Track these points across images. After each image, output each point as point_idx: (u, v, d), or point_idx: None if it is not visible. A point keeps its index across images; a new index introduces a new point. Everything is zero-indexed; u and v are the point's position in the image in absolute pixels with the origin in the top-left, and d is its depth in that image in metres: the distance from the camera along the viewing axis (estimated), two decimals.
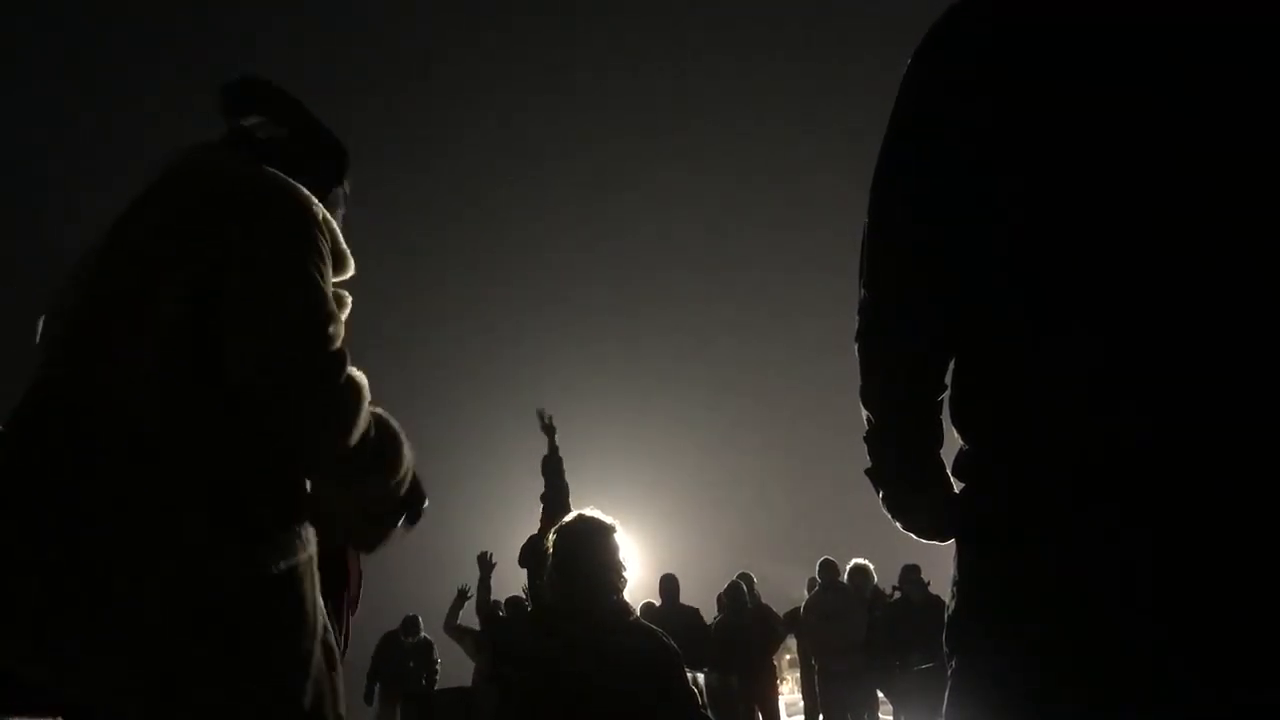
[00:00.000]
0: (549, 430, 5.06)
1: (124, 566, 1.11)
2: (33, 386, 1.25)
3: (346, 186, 1.62)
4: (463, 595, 7.39)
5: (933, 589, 7.33)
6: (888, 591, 7.83)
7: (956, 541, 1.15)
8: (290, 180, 1.36)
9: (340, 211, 1.57)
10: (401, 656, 8.66)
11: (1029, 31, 1.08)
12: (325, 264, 1.30)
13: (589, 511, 2.59)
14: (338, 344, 1.26)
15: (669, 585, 8.15)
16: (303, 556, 1.25)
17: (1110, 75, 1.02)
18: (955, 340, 1.13)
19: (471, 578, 7.12)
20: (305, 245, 1.28)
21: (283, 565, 1.21)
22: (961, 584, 1.10)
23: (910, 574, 7.52)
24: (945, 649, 1.11)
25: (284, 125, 1.53)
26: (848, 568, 7.91)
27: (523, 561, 5.34)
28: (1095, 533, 0.96)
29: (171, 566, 1.13)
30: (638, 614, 2.56)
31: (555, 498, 4.56)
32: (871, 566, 7.90)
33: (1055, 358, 1.00)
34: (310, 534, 1.29)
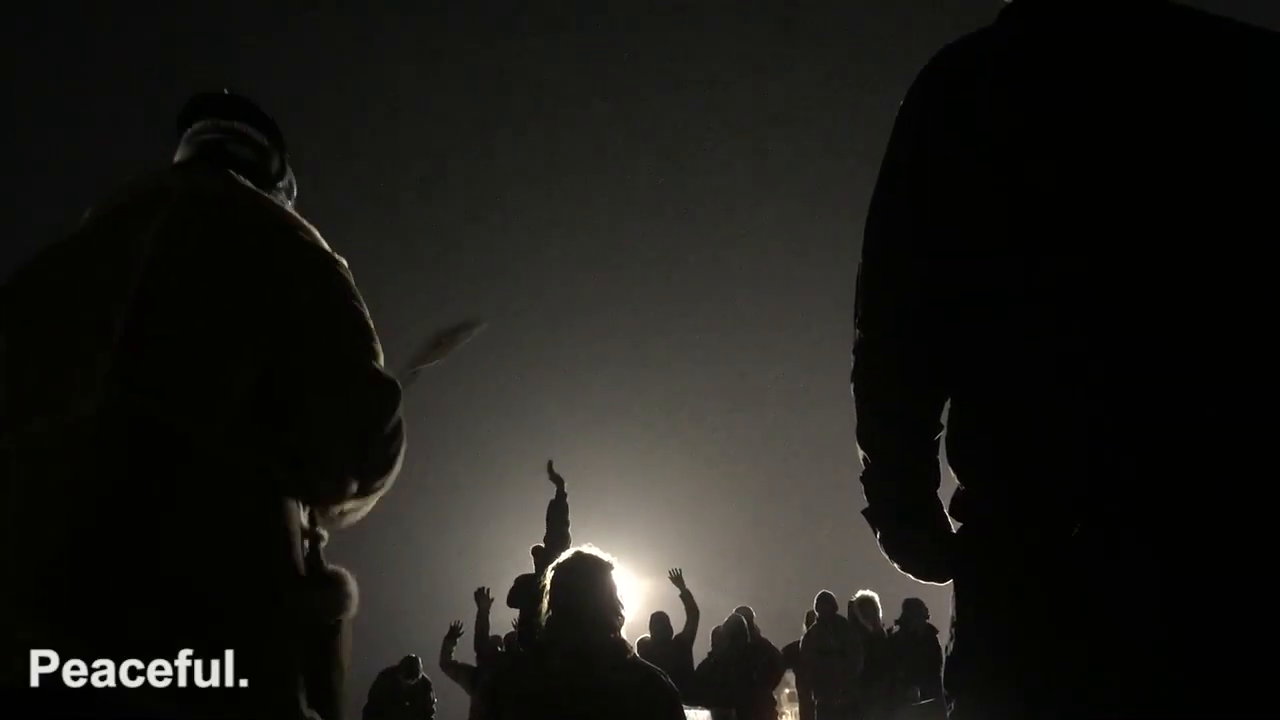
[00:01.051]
0: (556, 480, 5.19)
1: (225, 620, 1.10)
2: (101, 416, 1.12)
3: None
4: (454, 632, 7.32)
5: (934, 622, 7.27)
6: (888, 627, 7.77)
7: (954, 581, 1.15)
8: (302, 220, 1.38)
9: None
10: (398, 696, 8.57)
11: (1034, 50, 1.11)
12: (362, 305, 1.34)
13: (586, 548, 2.58)
14: (398, 396, 1.31)
15: (659, 624, 8.11)
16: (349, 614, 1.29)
17: (1111, 92, 1.05)
18: (952, 371, 1.13)
19: (468, 614, 7.06)
20: (354, 297, 1.32)
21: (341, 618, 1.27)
22: (959, 624, 1.10)
23: (913, 608, 7.47)
24: (944, 690, 1.11)
25: (252, 145, 1.50)
26: (853, 600, 7.84)
27: (512, 601, 5.31)
28: (1097, 540, 0.96)
29: (264, 623, 1.14)
30: (635, 652, 2.54)
31: (552, 551, 4.57)
32: (877, 598, 7.82)
33: (1058, 361, 1.01)
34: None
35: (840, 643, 7.65)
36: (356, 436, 1.27)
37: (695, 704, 7.34)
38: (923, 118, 1.16)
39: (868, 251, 1.18)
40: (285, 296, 1.24)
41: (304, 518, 1.27)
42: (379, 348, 1.31)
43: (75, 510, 1.07)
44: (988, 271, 1.07)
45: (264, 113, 1.54)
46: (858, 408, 1.19)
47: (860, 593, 7.82)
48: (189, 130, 1.49)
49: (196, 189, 1.33)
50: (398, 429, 1.31)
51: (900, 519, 1.20)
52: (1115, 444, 0.96)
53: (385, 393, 1.29)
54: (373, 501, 1.38)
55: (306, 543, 1.26)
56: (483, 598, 6.81)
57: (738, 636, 7.97)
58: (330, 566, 1.29)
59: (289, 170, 1.57)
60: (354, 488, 1.30)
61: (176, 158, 1.49)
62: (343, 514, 1.36)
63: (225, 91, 1.53)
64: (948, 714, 1.10)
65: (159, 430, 1.13)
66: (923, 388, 1.15)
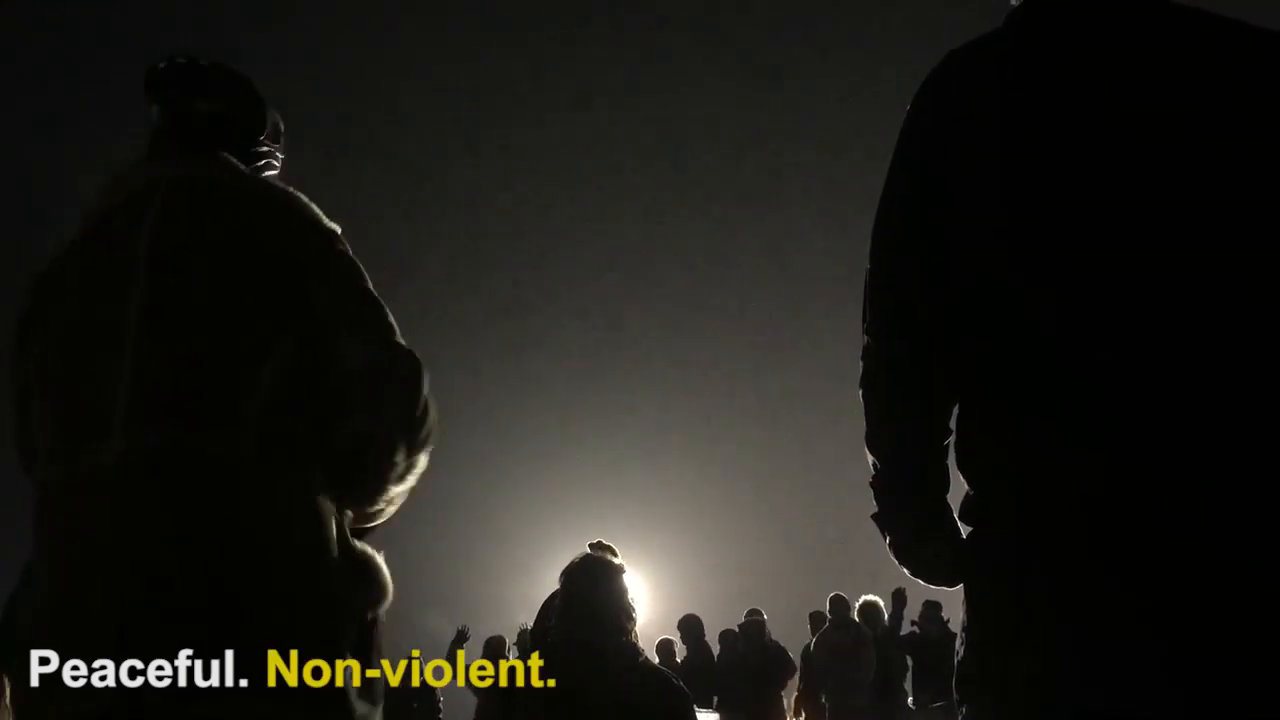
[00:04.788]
0: None
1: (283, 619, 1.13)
2: (128, 452, 1.13)
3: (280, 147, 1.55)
4: (461, 636, 7.38)
5: (951, 626, 7.26)
6: (907, 629, 7.78)
7: (965, 586, 1.15)
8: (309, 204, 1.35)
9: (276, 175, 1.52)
10: (406, 696, 8.61)
11: (1040, 60, 1.10)
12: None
13: (597, 551, 2.58)
14: (423, 369, 1.31)
15: (692, 627, 8.12)
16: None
17: (1117, 104, 1.05)
18: (960, 376, 1.14)
19: (475, 618, 7.15)
20: (362, 275, 1.31)
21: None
22: (969, 630, 1.10)
23: (930, 611, 7.46)
24: (955, 695, 1.11)
25: (224, 104, 1.43)
26: (858, 604, 7.85)
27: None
28: (1097, 553, 0.97)
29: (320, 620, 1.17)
30: (647, 655, 2.54)
31: None
32: (882, 603, 7.84)
33: (1061, 370, 1.01)
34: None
35: (852, 645, 7.63)
36: (401, 419, 1.27)
37: (705, 706, 7.34)
38: (927, 124, 1.16)
39: (874, 258, 1.18)
40: (301, 288, 1.22)
41: (333, 507, 1.26)
42: (393, 320, 1.30)
43: (126, 550, 1.10)
44: (992, 278, 1.07)
45: (215, 69, 1.44)
46: (867, 414, 1.19)
47: (865, 597, 7.84)
48: (153, 110, 1.42)
49: (180, 182, 1.29)
50: (428, 405, 1.30)
51: (909, 525, 1.20)
52: (1117, 457, 0.97)
53: (414, 372, 1.29)
54: (404, 488, 1.36)
55: (336, 532, 1.25)
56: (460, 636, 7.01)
57: (755, 638, 7.98)
58: (361, 550, 1.28)
59: (270, 113, 1.49)
60: (399, 474, 1.30)
61: (152, 133, 1.41)
62: (384, 504, 1.34)
63: (166, 64, 1.42)
64: (959, 719, 1.11)
65: (186, 460, 1.14)
66: (931, 393, 1.15)
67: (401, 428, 1.27)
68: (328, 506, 1.23)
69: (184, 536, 1.11)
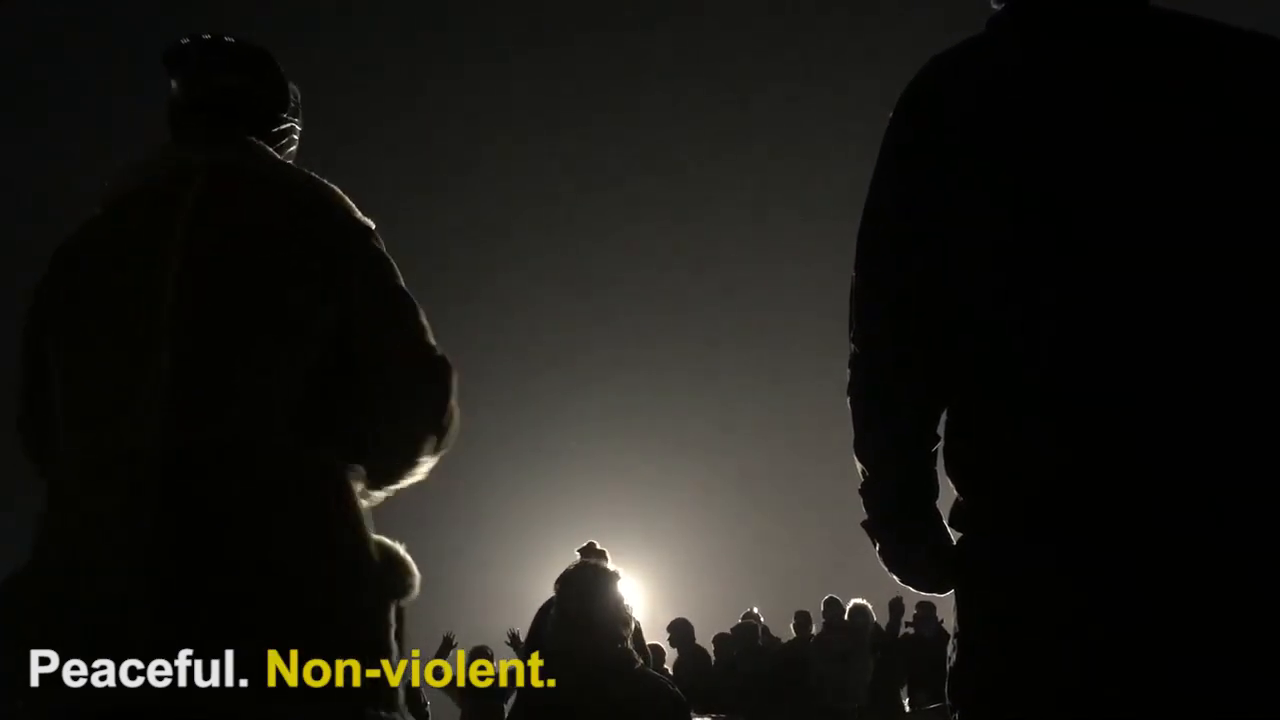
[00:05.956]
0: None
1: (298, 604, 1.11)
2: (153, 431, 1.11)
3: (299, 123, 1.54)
4: (448, 643, 7.34)
5: (946, 627, 7.27)
6: (900, 630, 7.79)
7: (955, 592, 1.15)
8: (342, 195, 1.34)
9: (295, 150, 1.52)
10: None
11: (1024, 67, 1.11)
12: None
13: (589, 556, 2.58)
14: (453, 373, 1.31)
15: (681, 631, 8.09)
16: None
17: (1102, 111, 1.05)
18: (947, 383, 1.14)
19: (461, 625, 7.13)
20: (396, 273, 1.30)
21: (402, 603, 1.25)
22: (960, 635, 1.10)
23: (925, 612, 7.47)
24: (948, 701, 1.12)
25: (249, 79, 1.42)
26: (848, 607, 7.86)
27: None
28: (1079, 558, 0.97)
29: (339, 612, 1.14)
30: (643, 661, 2.54)
31: None
32: (870, 607, 7.85)
33: (1043, 376, 1.02)
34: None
35: (847, 648, 7.64)
36: (430, 421, 1.27)
37: (704, 711, 7.33)
38: (918, 126, 1.15)
39: (859, 266, 1.18)
40: (337, 283, 1.22)
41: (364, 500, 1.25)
42: (426, 320, 1.30)
43: (157, 542, 1.08)
44: (992, 277, 1.08)
45: (237, 45, 1.43)
46: (854, 421, 1.19)
47: (853, 601, 7.86)
48: (175, 87, 1.41)
49: (218, 169, 1.28)
50: (453, 411, 1.31)
51: (898, 532, 1.20)
52: (1118, 457, 0.97)
53: (446, 374, 1.29)
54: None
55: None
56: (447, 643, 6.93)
57: (749, 641, 7.98)
58: (387, 544, 1.27)
59: (290, 86, 1.49)
60: (422, 467, 1.31)
61: (173, 111, 1.41)
62: (387, 491, 1.33)
63: (188, 40, 1.41)
64: None
65: (217, 450, 1.13)
66: (917, 400, 1.15)
67: (425, 431, 1.28)
68: (362, 500, 1.22)
69: (213, 535, 1.10)
